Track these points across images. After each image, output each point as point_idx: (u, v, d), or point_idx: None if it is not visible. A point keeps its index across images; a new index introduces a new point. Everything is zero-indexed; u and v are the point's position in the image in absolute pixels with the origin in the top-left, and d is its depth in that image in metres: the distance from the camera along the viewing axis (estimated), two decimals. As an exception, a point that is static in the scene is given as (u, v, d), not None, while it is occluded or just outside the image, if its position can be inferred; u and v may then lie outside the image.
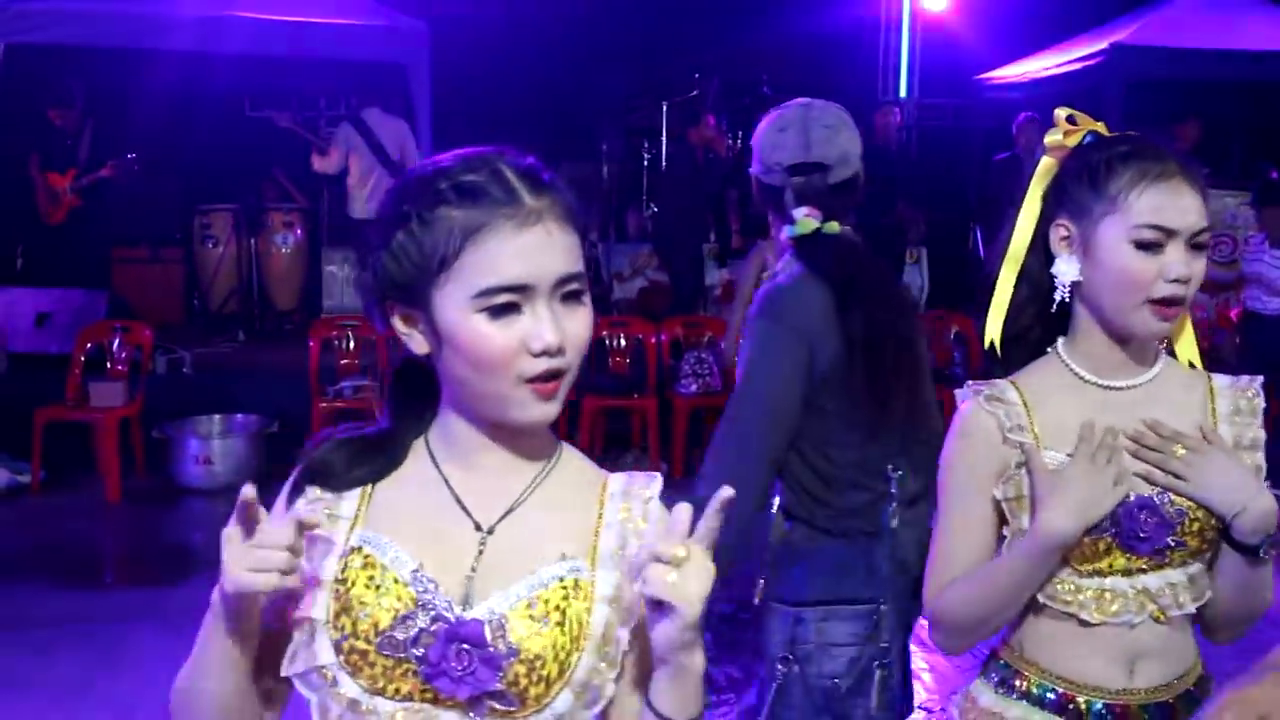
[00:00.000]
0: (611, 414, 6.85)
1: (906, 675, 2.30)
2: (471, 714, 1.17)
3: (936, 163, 10.47)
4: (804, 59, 9.99)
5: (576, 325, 1.17)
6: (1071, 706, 1.62)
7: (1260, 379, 1.68)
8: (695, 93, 10.17)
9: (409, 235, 1.17)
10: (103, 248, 8.19)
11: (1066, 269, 1.61)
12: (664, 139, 10.04)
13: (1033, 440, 1.60)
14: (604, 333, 7.18)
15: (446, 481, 1.24)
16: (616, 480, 1.28)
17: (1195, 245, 1.55)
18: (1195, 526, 1.57)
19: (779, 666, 2.16)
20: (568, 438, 1.44)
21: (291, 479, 1.30)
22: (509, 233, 1.14)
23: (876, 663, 2.18)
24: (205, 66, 7.73)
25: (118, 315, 7.14)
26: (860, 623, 2.16)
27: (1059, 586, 1.60)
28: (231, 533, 1.15)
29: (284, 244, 8.91)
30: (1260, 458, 1.63)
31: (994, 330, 1.70)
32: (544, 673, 1.15)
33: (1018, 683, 1.66)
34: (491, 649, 1.14)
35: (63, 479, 6.42)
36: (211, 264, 8.74)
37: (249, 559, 1.12)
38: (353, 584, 1.19)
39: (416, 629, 1.16)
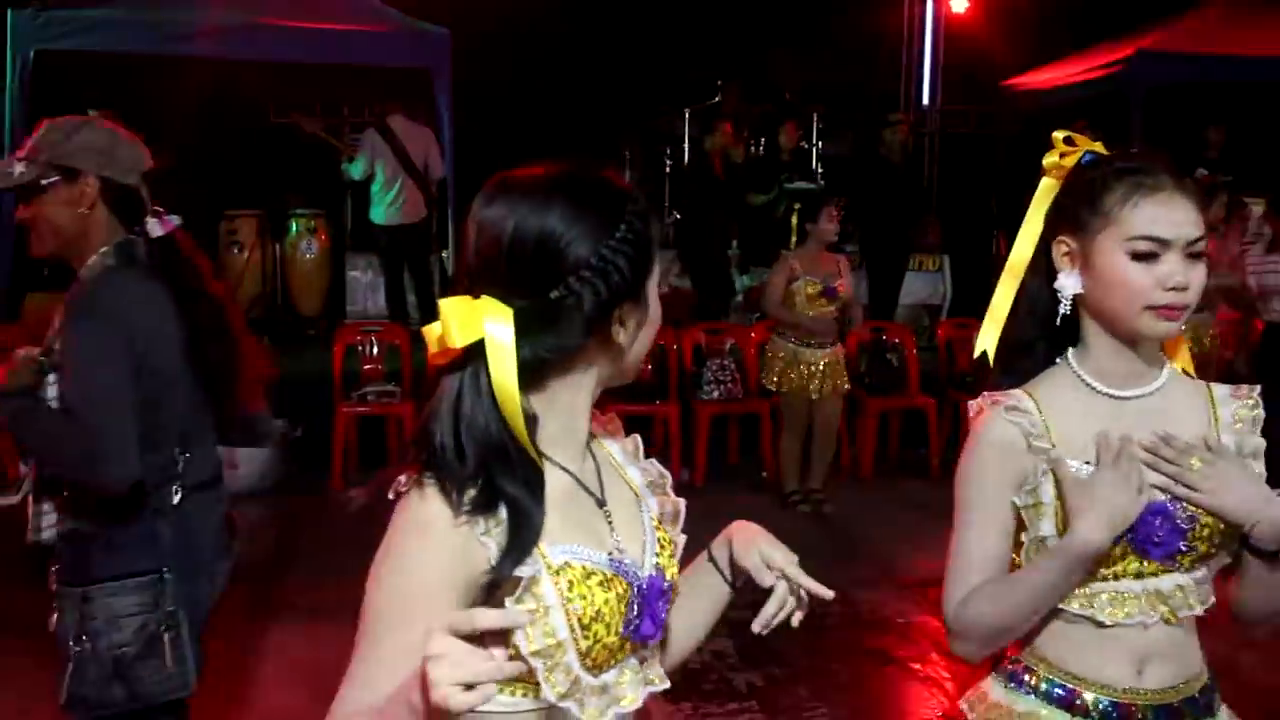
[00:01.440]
0: (633, 421, 6.82)
1: (196, 637, 2.48)
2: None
3: (959, 169, 10.44)
4: (827, 65, 9.98)
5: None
6: (1079, 702, 1.66)
7: (1259, 387, 1.73)
8: (717, 99, 10.17)
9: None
10: (129, 253, 8.24)
11: (1068, 283, 1.67)
12: (685, 146, 10.04)
13: (1049, 446, 1.66)
14: (626, 339, 7.18)
15: (566, 470, 1.35)
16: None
17: (1192, 254, 1.61)
18: (1205, 532, 1.62)
19: (72, 645, 2.30)
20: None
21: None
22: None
23: (164, 627, 2.35)
24: (230, 73, 7.79)
25: (143, 320, 7.17)
26: (145, 593, 2.31)
27: (1084, 592, 1.65)
28: (440, 650, 1.05)
29: (308, 250, 8.95)
30: (1262, 466, 1.68)
31: (987, 342, 1.79)
32: (676, 593, 1.42)
33: (1027, 678, 1.71)
34: (669, 591, 1.39)
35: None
36: (236, 269, 8.78)
37: (462, 674, 1.04)
38: (585, 596, 1.27)
39: (636, 603, 1.32)
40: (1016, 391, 1.71)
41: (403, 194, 8.10)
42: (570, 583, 1.25)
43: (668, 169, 10.13)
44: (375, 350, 7.00)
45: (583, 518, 1.33)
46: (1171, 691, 1.66)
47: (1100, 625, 1.63)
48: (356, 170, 8.20)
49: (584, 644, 1.26)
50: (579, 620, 1.25)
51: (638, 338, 1.34)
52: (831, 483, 6.54)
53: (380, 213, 8.21)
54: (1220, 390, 1.73)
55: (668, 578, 1.37)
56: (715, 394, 6.84)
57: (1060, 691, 1.67)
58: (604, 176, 1.35)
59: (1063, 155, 1.73)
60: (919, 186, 9.75)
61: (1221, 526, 1.62)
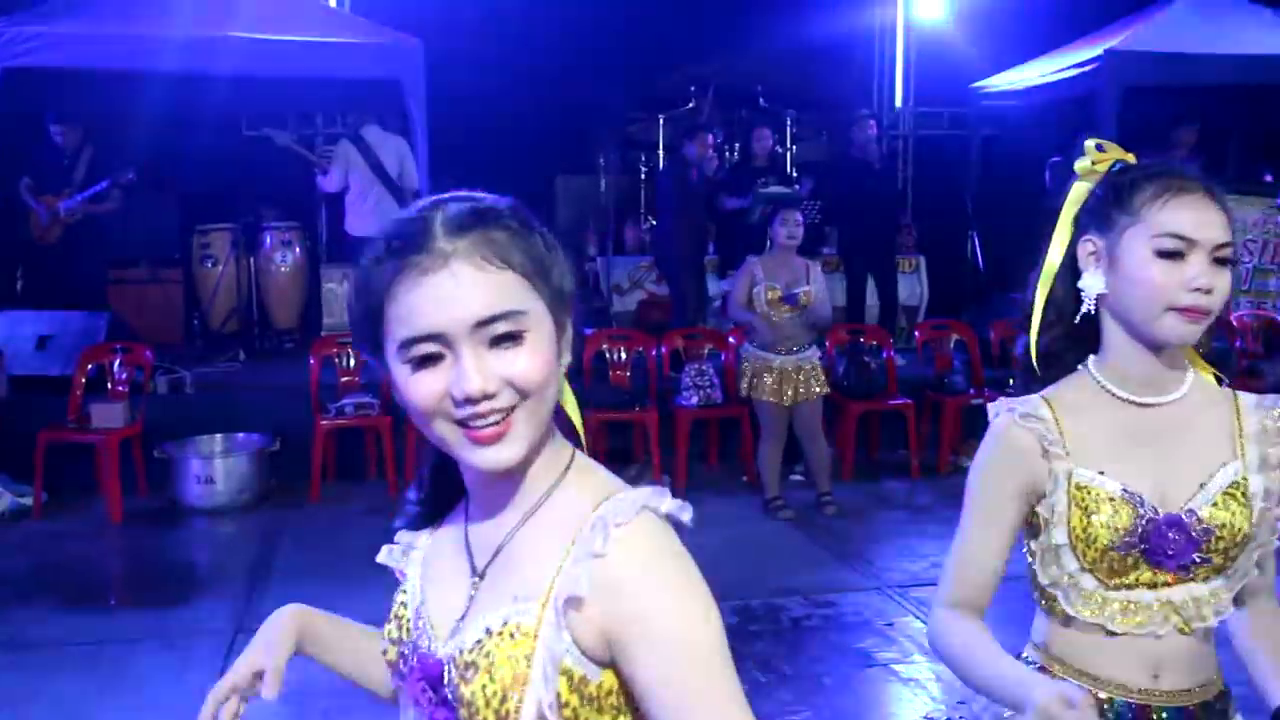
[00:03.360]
0: (613, 427, 6.85)
1: None
2: None
3: (932, 171, 10.48)
4: (800, 70, 10.01)
5: (514, 365, 1.11)
6: (1102, 703, 1.67)
7: None
8: (692, 105, 10.19)
9: (357, 294, 1.16)
10: (101, 269, 8.20)
11: (1092, 282, 1.67)
12: (661, 152, 10.06)
13: (1063, 454, 1.67)
14: (604, 346, 7.19)
15: (465, 524, 1.26)
16: (602, 510, 1.14)
17: (1218, 259, 1.61)
18: (1221, 545, 1.62)
19: None
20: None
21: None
22: (413, 281, 1.10)
23: None
24: (200, 87, 7.73)
25: (118, 336, 7.14)
26: None
27: (1086, 598, 1.66)
28: None
29: (283, 262, 8.92)
30: None
31: (1035, 349, 1.77)
32: (481, 717, 1.14)
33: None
34: (446, 688, 1.18)
35: (65, 501, 6.42)
36: (210, 284, 8.75)
37: None
38: (391, 617, 1.29)
39: (399, 658, 1.26)
40: (1034, 398, 1.72)
41: (378, 205, 8.08)
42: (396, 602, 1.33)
43: (643, 175, 10.15)
44: (352, 362, 6.97)
45: (453, 572, 1.29)
46: (1187, 694, 1.67)
47: (1111, 633, 1.65)
48: (333, 183, 8.17)
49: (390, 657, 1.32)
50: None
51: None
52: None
53: (355, 224, 8.18)
54: (1247, 400, 1.72)
55: (456, 683, 1.19)
56: (694, 400, 6.84)
57: None
58: (459, 200, 1.18)
59: (1095, 162, 1.73)
60: (894, 187, 9.77)
61: (1237, 539, 1.62)
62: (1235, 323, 7.70)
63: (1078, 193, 1.74)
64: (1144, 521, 1.61)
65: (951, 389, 7.34)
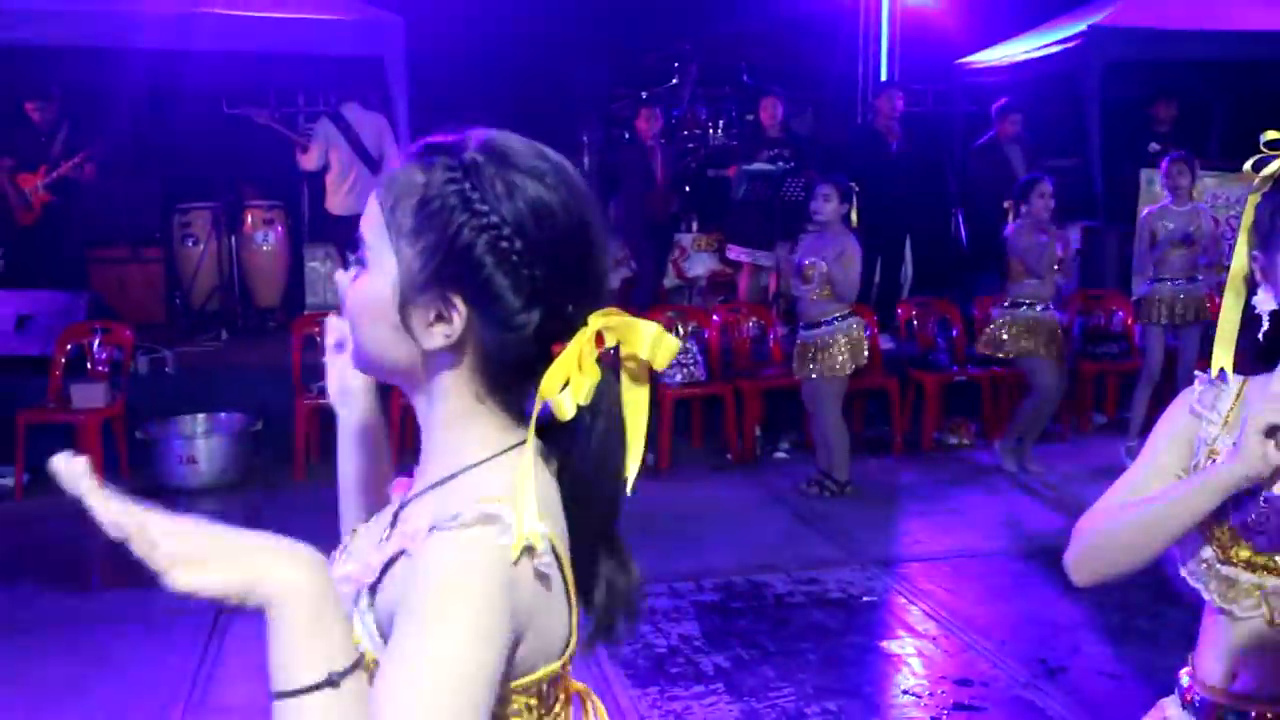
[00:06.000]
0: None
1: None
2: None
3: (917, 148, 10.47)
4: (784, 46, 9.98)
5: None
6: (1189, 698, 1.60)
7: None
8: (675, 81, 10.15)
9: None
10: (81, 248, 8.14)
11: (1262, 298, 1.57)
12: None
13: (1219, 428, 1.57)
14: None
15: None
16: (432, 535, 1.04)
17: None
18: None
19: None
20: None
21: None
22: None
23: None
24: (181, 64, 7.68)
25: (98, 316, 7.09)
26: None
27: (1202, 566, 1.56)
28: None
29: (264, 241, 8.87)
30: None
31: (1222, 359, 1.62)
32: None
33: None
34: None
35: (46, 482, 6.32)
36: (192, 263, 8.69)
37: None
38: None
39: None
40: (1233, 376, 1.59)
41: (358, 183, 8.04)
42: None
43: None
44: (335, 341, 6.93)
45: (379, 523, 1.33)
46: (1255, 702, 1.54)
47: (1211, 608, 1.56)
48: (313, 161, 8.12)
49: None
50: None
51: None
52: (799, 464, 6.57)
53: (336, 202, 8.14)
54: None
55: None
56: (678, 377, 6.84)
57: (1186, 682, 1.62)
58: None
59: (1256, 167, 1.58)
60: (909, 165, 9.71)
61: None
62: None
63: (1253, 201, 1.60)
64: (1243, 491, 1.49)
65: (934, 366, 7.35)
